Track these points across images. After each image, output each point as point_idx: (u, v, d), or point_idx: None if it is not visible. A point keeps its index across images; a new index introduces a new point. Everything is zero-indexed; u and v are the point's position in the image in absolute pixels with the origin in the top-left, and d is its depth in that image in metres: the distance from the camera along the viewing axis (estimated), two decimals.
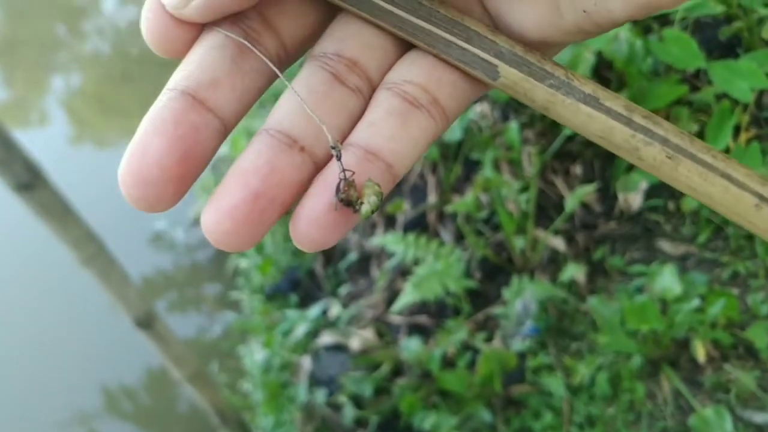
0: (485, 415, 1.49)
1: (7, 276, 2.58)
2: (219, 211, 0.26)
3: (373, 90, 0.28)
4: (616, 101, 0.25)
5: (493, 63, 0.26)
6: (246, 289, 2.23)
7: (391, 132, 0.27)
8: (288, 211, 0.27)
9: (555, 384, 1.45)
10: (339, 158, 0.26)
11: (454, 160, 1.75)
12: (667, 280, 1.31)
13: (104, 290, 1.33)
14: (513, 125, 1.60)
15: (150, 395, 2.28)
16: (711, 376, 1.31)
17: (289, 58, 0.29)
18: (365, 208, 0.26)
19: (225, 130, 0.27)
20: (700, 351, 1.29)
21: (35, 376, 2.32)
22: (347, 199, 0.26)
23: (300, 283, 2.07)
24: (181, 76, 0.27)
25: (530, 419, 1.47)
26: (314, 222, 0.26)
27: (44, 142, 3.23)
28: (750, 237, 1.36)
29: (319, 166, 0.27)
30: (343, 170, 0.26)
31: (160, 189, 0.26)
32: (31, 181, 1.11)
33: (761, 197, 0.23)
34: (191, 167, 0.26)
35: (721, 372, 1.30)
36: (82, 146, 3.29)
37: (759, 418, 1.23)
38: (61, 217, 1.19)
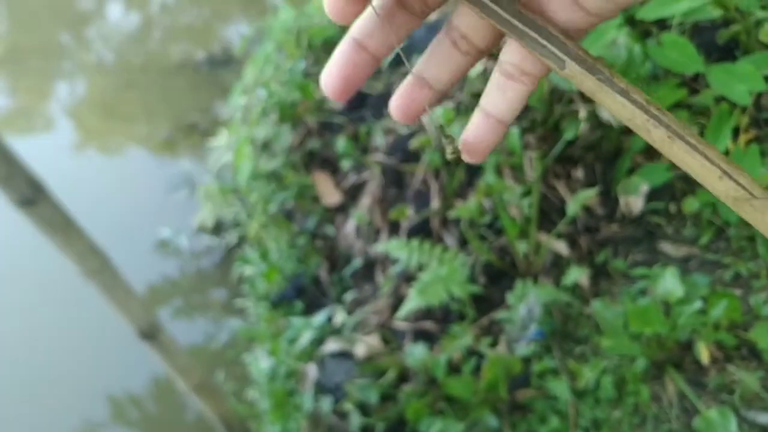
0: (491, 421, 1.49)
1: (12, 285, 2.59)
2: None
3: (478, 52, 0.43)
4: (640, 95, 0.35)
5: (563, 58, 0.37)
6: (251, 296, 2.24)
7: (496, 98, 0.42)
8: None
9: (560, 388, 1.45)
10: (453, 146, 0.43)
11: (457, 165, 1.75)
12: (670, 283, 1.31)
13: (108, 302, 1.34)
14: (514, 131, 1.61)
15: (156, 405, 2.29)
16: (715, 378, 1.31)
17: (429, 10, 0.43)
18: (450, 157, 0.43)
19: (377, 63, 0.43)
20: (704, 353, 1.29)
21: (42, 386, 2.33)
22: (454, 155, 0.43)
23: (305, 290, 2.07)
24: (354, 27, 0.43)
25: (536, 424, 1.47)
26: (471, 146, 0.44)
27: (49, 151, 3.24)
28: (751, 238, 1.37)
29: (439, 96, 0.44)
30: (451, 139, 0.43)
31: (335, 94, 0.42)
32: (33, 196, 1.11)
33: (724, 171, 0.34)
34: (351, 85, 0.42)
35: (724, 373, 1.31)
36: (86, 154, 3.30)
37: (763, 418, 1.23)
38: (65, 231, 1.19)
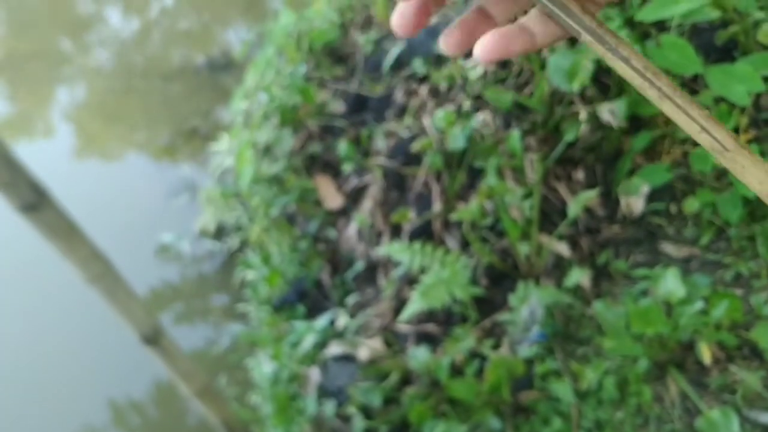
0: (494, 423, 1.49)
1: (15, 290, 2.59)
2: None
3: None
4: (639, 62, 0.43)
5: (578, 30, 0.45)
6: (253, 300, 2.24)
7: (536, 21, 0.45)
8: None
9: (563, 389, 1.45)
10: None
11: (458, 168, 1.76)
12: (671, 283, 1.32)
13: (110, 307, 1.34)
14: (515, 133, 1.61)
15: (158, 409, 2.29)
16: (717, 378, 1.31)
17: None
18: None
19: (439, 4, 0.45)
20: (706, 353, 1.30)
21: (44, 390, 2.34)
22: None
23: (307, 294, 2.08)
24: None
25: (539, 425, 1.47)
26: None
27: (49, 156, 3.25)
28: (752, 238, 1.37)
29: (495, 24, 0.46)
30: None
31: (403, 31, 0.44)
32: (36, 202, 1.12)
33: (703, 127, 0.41)
34: (417, 24, 0.44)
35: (726, 373, 1.31)
36: (87, 159, 3.30)
37: (765, 418, 1.23)
38: (67, 237, 1.20)
